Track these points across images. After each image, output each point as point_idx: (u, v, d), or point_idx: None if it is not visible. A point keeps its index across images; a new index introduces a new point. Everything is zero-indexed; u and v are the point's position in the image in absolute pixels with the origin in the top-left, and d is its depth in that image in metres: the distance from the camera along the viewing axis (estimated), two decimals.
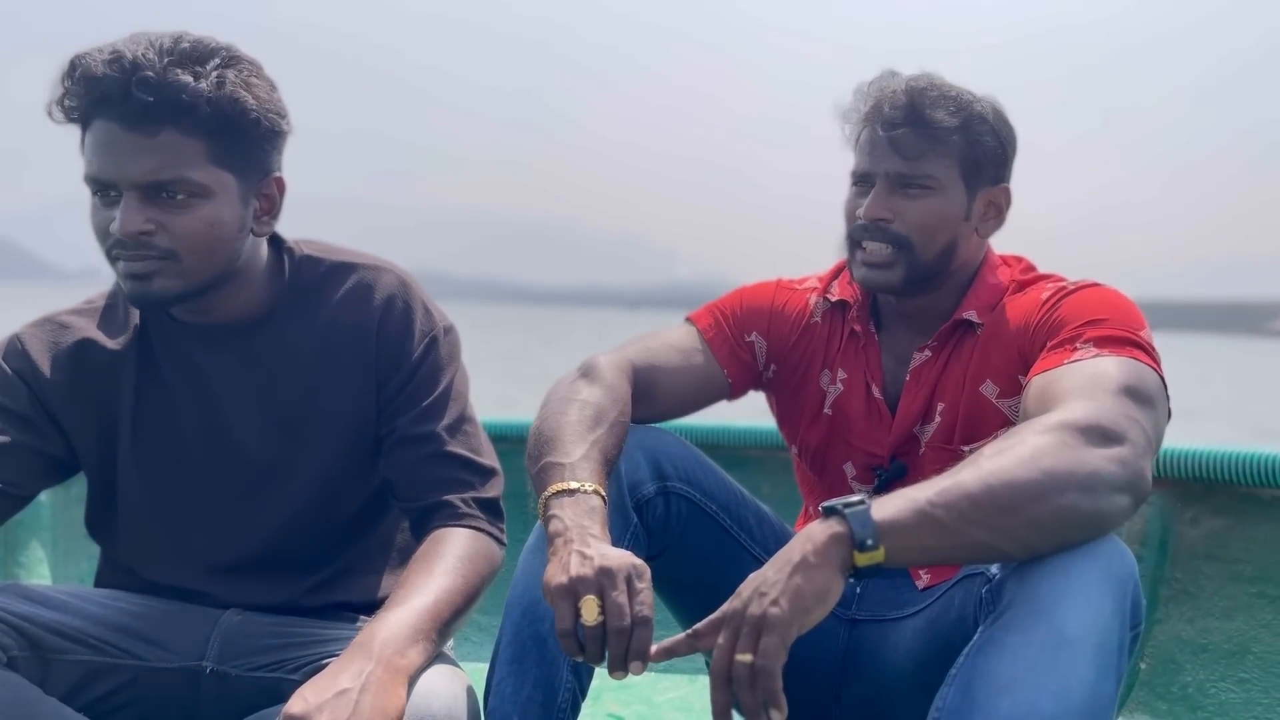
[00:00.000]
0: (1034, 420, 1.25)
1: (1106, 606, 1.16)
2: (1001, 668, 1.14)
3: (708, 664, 1.21)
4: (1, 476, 1.45)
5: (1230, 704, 2.05)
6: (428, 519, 1.48)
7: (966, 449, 1.54)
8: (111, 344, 1.52)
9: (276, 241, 1.54)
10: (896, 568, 1.17)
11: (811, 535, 1.16)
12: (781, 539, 1.61)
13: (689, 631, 1.19)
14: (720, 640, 1.15)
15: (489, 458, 1.53)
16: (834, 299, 1.72)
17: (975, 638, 1.20)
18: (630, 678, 1.21)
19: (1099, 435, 1.21)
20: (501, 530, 1.50)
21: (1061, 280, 1.57)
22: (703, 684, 2.18)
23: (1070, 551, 1.18)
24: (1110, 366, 1.34)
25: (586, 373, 1.55)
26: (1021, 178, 1.64)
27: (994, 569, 1.28)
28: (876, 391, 1.65)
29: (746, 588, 1.16)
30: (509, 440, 2.44)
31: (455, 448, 1.49)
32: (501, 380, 14.82)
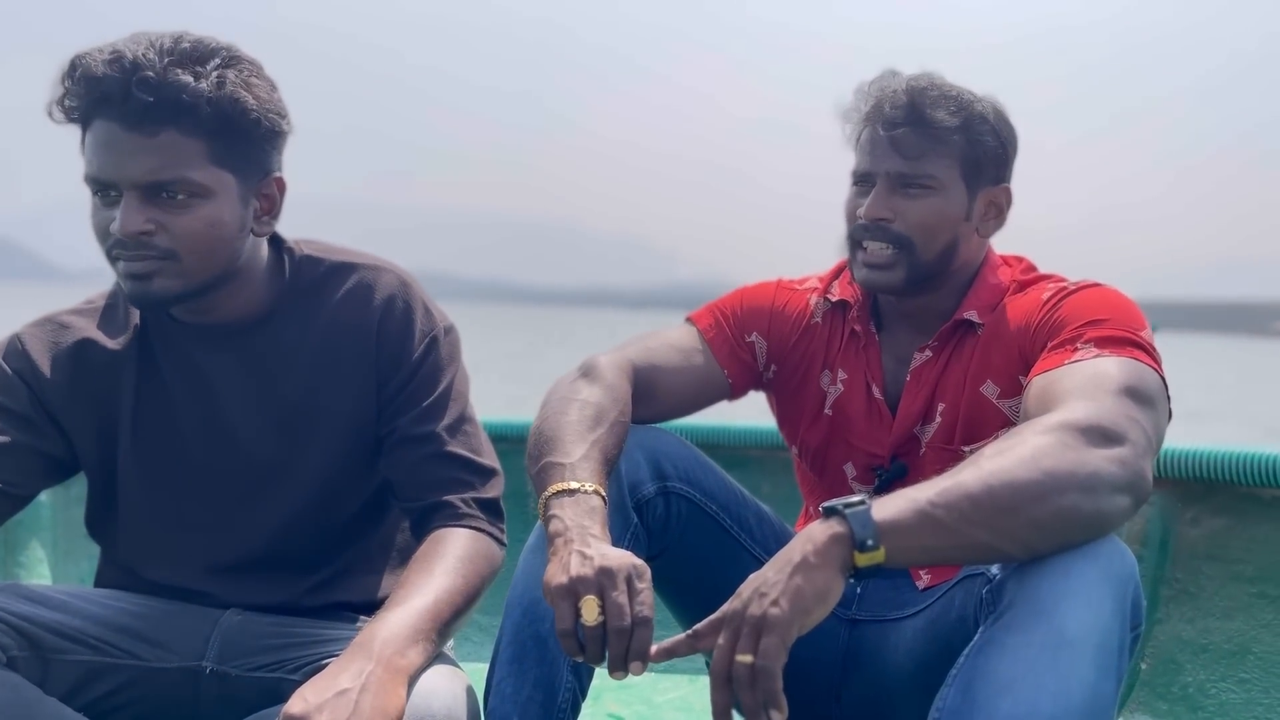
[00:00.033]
0: (1035, 420, 1.25)
1: (1107, 607, 1.16)
2: (1002, 668, 1.14)
3: (708, 664, 1.21)
4: (1, 476, 1.45)
5: (1231, 704, 2.05)
6: (428, 519, 1.48)
7: (967, 449, 1.54)
8: (112, 344, 1.52)
9: (277, 241, 1.54)
10: (897, 568, 1.16)
11: (812, 535, 1.16)
12: (782, 539, 1.61)
13: (689, 632, 1.19)
14: (720, 640, 1.15)
15: (489, 458, 1.53)
16: (834, 299, 1.71)
17: (975, 638, 1.20)
18: (630, 678, 1.21)
19: (1100, 436, 1.21)
20: (502, 530, 1.50)
21: (1062, 280, 1.57)
22: (703, 684, 2.18)
23: (1071, 552, 1.18)
24: (1111, 367, 1.34)
25: (586, 372, 1.55)
26: (1022, 177, 1.64)
27: (994, 569, 1.28)
28: (877, 392, 1.65)
29: (747, 588, 1.16)
30: (509, 440, 2.44)
31: (455, 448, 1.49)
32: (509, 381, 14.83)
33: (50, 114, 1.37)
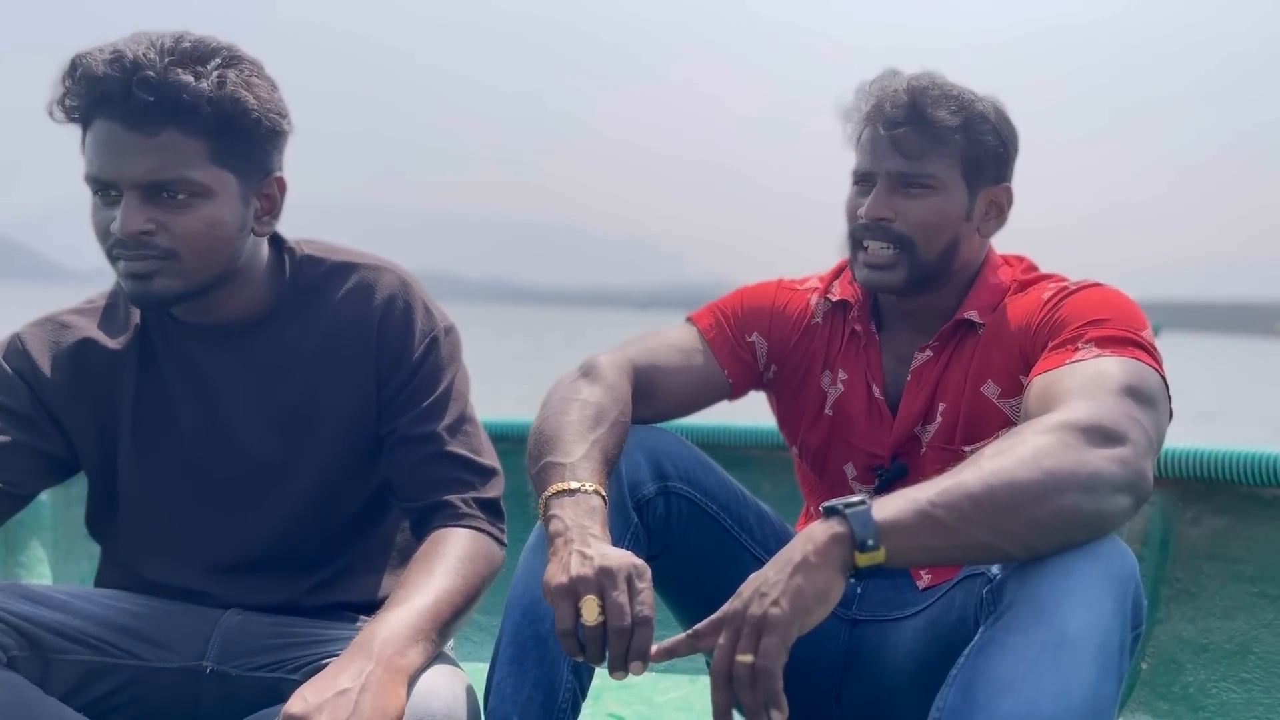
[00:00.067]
0: (1035, 420, 1.25)
1: (1107, 607, 1.16)
2: (1002, 668, 1.14)
3: (708, 664, 1.21)
4: (2, 476, 1.45)
5: (1231, 704, 2.05)
6: (428, 519, 1.48)
7: (967, 449, 1.54)
8: (112, 344, 1.52)
9: (277, 241, 1.54)
10: (897, 568, 1.16)
11: (812, 535, 1.16)
12: (782, 539, 1.61)
13: (690, 632, 1.19)
14: (721, 640, 1.15)
15: (489, 458, 1.53)
16: (835, 299, 1.71)
17: (976, 638, 1.20)
18: (630, 678, 1.21)
19: (1100, 435, 1.21)
20: (502, 530, 1.50)
21: (1063, 280, 1.57)
22: (703, 684, 2.18)
23: (1071, 552, 1.18)
24: (1112, 367, 1.34)
25: (587, 372, 1.55)
26: (1023, 177, 1.65)
27: (995, 569, 1.28)
28: (877, 392, 1.65)
29: (747, 588, 1.16)
30: (510, 440, 2.44)
31: (456, 448, 1.49)
32: (516, 381, 14.82)
33: (51, 114, 1.37)
